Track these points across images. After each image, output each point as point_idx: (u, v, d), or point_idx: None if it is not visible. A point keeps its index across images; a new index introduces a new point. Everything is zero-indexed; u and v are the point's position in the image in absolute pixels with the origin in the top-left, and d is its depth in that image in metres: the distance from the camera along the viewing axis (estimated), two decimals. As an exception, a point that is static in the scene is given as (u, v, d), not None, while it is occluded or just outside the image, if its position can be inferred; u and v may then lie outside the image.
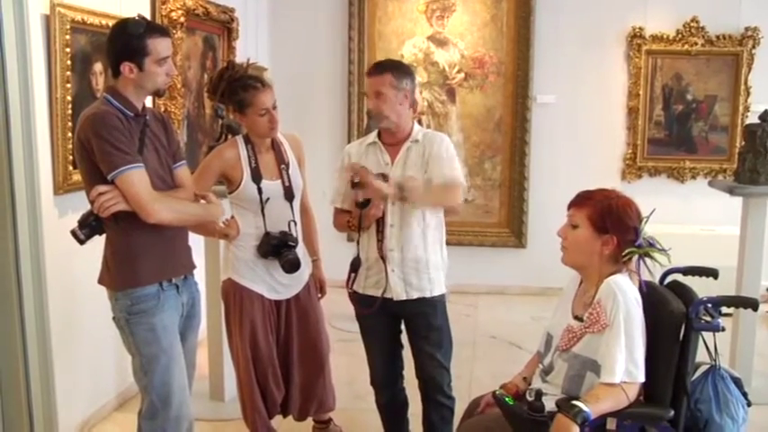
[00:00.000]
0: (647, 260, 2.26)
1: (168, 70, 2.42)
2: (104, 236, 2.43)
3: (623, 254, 2.24)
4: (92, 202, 2.33)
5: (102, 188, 2.30)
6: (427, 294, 2.83)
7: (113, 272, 2.44)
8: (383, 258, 2.80)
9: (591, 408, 2.07)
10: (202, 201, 2.59)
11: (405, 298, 2.82)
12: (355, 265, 2.87)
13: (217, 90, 2.88)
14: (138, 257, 2.42)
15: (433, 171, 2.76)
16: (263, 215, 2.89)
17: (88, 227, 2.36)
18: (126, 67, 2.35)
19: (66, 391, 3.15)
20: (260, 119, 2.83)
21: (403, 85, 2.77)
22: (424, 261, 2.81)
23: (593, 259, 2.28)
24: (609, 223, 2.24)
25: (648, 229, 2.31)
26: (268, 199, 2.88)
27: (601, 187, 2.37)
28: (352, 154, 2.91)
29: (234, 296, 2.96)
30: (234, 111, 2.90)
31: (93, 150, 2.30)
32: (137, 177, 2.30)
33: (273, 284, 2.96)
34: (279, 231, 2.90)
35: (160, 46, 2.37)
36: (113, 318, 2.49)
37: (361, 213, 2.77)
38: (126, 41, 2.34)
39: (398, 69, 2.80)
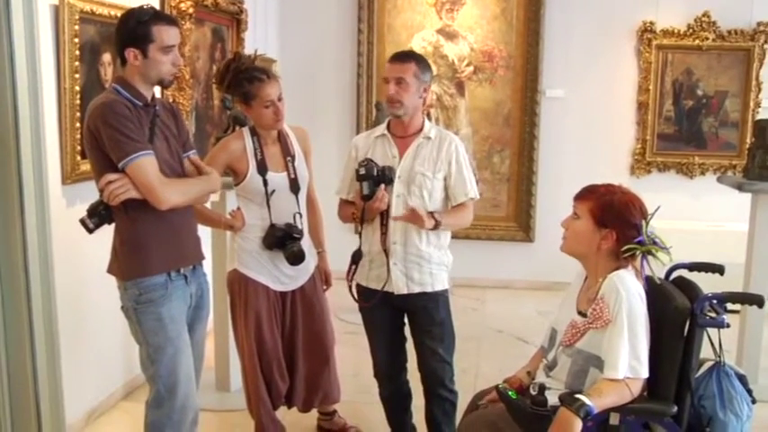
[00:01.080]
0: (650, 258, 2.25)
1: (174, 60, 2.42)
2: (113, 225, 2.45)
3: (622, 250, 2.23)
4: (101, 191, 2.34)
5: (111, 176, 2.31)
6: (428, 289, 2.83)
7: (122, 261, 2.45)
8: (386, 251, 2.80)
9: (594, 402, 2.07)
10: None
11: (406, 292, 2.82)
12: (356, 258, 2.88)
13: (223, 81, 2.89)
14: (146, 247, 2.43)
15: (457, 187, 2.80)
16: (269, 207, 2.89)
17: (97, 216, 2.37)
18: (131, 54, 2.35)
19: (73, 380, 3.16)
20: (265, 111, 2.84)
21: (424, 78, 2.78)
22: (427, 256, 2.81)
23: (591, 252, 2.29)
24: (609, 218, 2.24)
25: (657, 225, 2.30)
26: (273, 191, 2.89)
27: (608, 182, 2.37)
28: (360, 146, 2.91)
29: (239, 287, 2.97)
30: (240, 102, 2.91)
31: (103, 139, 2.30)
32: (147, 164, 2.31)
33: (278, 276, 2.97)
34: (284, 223, 2.91)
35: (165, 34, 2.37)
36: (121, 307, 2.50)
37: (365, 206, 2.78)
38: (132, 27, 2.35)
39: (423, 62, 2.81)
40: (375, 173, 2.74)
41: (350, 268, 2.90)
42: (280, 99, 2.86)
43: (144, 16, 2.35)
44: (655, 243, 2.24)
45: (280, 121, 2.88)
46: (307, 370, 3.11)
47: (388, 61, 2.84)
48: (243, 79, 2.82)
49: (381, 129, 2.90)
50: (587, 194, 2.32)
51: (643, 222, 2.24)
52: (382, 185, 2.75)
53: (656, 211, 2.30)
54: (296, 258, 2.89)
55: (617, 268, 2.25)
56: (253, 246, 2.94)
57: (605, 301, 2.19)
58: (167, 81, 2.47)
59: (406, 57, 2.82)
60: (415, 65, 2.75)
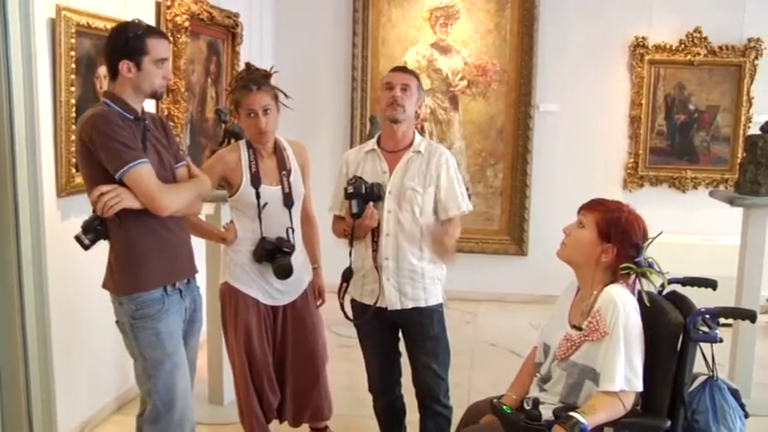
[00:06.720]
0: (643, 280, 2.27)
1: (165, 73, 2.44)
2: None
3: (620, 267, 2.26)
4: (94, 204, 2.34)
5: (103, 188, 2.30)
6: (422, 304, 2.83)
7: (117, 277, 2.45)
8: (377, 268, 2.81)
9: (588, 419, 2.07)
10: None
11: (399, 307, 2.82)
12: (346, 276, 2.88)
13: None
14: (142, 262, 2.43)
15: (449, 202, 2.81)
16: (260, 220, 2.89)
17: (93, 231, 2.36)
18: (124, 66, 2.36)
19: (65, 393, 3.15)
20: (248, 120, 2.86)
21: (420, 94, 2.87)
22: (420, 270, 2.81)
23: (590, 263, 2.30)
24: (613, 233, 2.27)
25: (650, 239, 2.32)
26: (266, 204, 2.88)
27: (617, 200, 2.40)
28: (351, 161, 2.93)
29: (229, 299, 2.97)
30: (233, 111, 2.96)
31: (97, 150, 2.30)
32: (145, 172, 2.32)
33: (269, 290, 2.96)
34: (275, 237, 2.90)
35: (159, 46, 2.40)
36: (117, 322, 2.49)
37: (354, 224, 2.78)
38: (125, 40, 2.36)
39: (419, 79, 2.92)
40: (363, 190, 2.76)
41: (341, 286, 2.91)
42: (266, 111, 2.84)
43: (138, 30, 2.37)
44: (651, 266, 2.26)
45: (262, 134, 2.87)
46: (296, 385, 3.07)
47: (392, 71, 2.93)
48: (237, 87, 2.87)
49: (371, 144, 2.92)
50: (596, 206, 2.35)
51: (643, 244, 2.26)
52: (371, 203, 2.77)
53: (657, 236, 2.34)
54: (283, 272, 2.88)
55: (611, 282, 2.27)
56: (243, 259, 2.93)
57: (601, 313, 2.20)
58: (159, 93, 2.50)
59: (409, 70, 2.98)
60: (416, 78, 2.88)
